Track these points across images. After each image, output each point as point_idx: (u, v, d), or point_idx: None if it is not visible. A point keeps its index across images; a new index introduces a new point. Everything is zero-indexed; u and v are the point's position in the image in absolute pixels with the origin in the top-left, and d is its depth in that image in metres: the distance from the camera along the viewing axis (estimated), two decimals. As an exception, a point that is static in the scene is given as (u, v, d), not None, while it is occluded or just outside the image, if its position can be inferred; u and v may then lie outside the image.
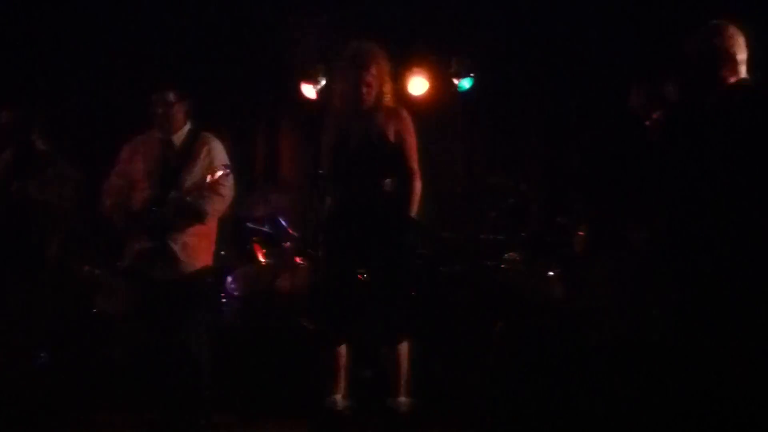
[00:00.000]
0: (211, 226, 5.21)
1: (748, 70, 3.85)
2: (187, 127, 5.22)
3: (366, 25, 8.11)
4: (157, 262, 5.02)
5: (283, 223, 7.04)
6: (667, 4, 7.27)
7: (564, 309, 5.79)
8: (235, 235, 7.21)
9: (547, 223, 6.78)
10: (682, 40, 3.93)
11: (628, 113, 4.56)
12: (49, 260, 5.46)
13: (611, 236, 4.83)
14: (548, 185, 6.95)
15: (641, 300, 4.44)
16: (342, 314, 4.92)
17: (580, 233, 5.88)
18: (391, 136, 5.00)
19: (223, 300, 6.58)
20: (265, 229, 7.06)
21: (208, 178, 4.94)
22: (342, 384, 5.03)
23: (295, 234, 6.79)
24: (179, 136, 5.18)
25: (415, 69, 7.45)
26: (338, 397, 5.02)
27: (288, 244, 6.75)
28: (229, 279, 6.60)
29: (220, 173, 4.94)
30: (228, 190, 5.12)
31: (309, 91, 7.53)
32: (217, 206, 5.10)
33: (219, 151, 5.13)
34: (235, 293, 6.57)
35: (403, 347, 4.98)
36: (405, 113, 5.12)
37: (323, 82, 7.31)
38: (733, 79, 3.80)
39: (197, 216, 5.03)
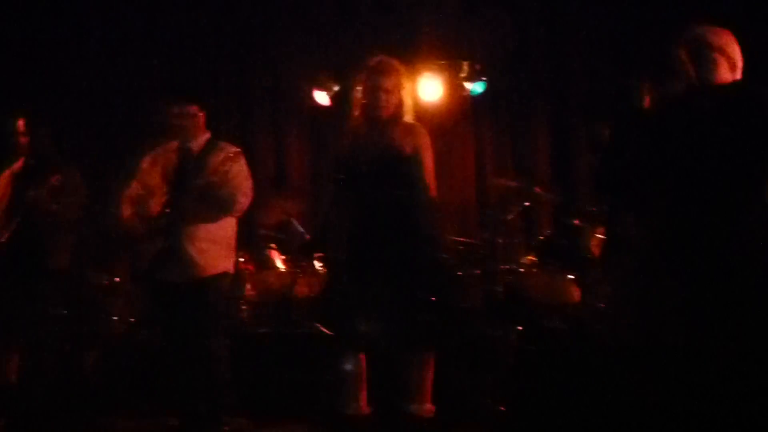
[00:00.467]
0: (229, 233, 5.23)
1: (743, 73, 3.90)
2: (206, 136, 5.27)
3: (376, 31, 8.18)
4: (171, 264, 5.03)
5: (299, 228, 7.07)
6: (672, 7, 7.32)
7: (580, 312, 5.80)
8: (249, 241, 7.26)
9: (562, 226, 6.79)
10: (674, 41, 3.96)
11: (635, 112, 4.56)
12: (60, 268, 5.46)
13: (624, 236, 4.83)
14: (561, 188, 6.94)
15: (653, 301, 4.44)
16: (360, 322, 4.93)
17: (598, 236, 5.92)
18: (408, 152, 5.00)
19: (242, 306, 6.61)
20: (281, 235, 7.08)
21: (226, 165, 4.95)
22: (361, 390, 5.04)
23: (310, 239, 6.80)
24: (198, 144, 5.23)
25: (426, 74, 7.44)
26: (357, 403, 5.03)
27: (304, 249, 6.76)
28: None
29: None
30: (248, 190, 5.16)
31: (322, 97, 7.56)
32: (242, 200, 5.10)
33: (239, 166, 5.15)
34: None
35: (424, 353, 4.99)
36: (423, 130, 5.12)
37: (336, 88, 7.36)
38: (729, 80, 3.84)
39: (222, 202, 5.03)
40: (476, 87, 7.43)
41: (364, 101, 5.01)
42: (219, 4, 8.33)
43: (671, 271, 3.98)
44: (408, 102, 5.08)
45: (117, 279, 6.46)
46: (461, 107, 7.81)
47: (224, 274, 5.20)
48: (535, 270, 6.16)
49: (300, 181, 8.26)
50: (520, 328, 5.59)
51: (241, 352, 5.52)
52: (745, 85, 3.86)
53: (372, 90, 4.98)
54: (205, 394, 5.06)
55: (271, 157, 8.33)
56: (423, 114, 6.99)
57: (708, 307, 3.83)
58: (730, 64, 3.86)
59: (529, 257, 6.27)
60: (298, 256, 6.81)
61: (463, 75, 7.43)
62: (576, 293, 5.97)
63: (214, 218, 5.10)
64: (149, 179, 5.23)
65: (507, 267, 6.46)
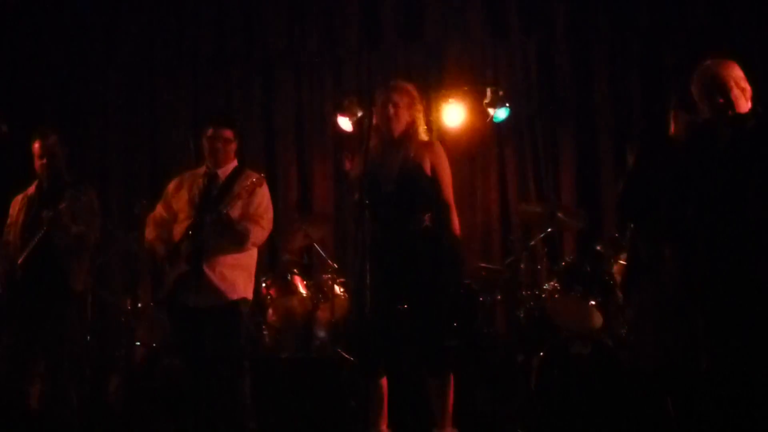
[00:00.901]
0: (250, 260, 5.23)
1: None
2: (234, 163, 5.30)
3: (401, 57, 8.21)
4: (192, 288, 5.01)
5: (322, 253, 7.07)
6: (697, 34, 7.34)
7: (604, 338, 5.77)
8: (272, 266, 7.27)
9: (585, 252, 6.77)
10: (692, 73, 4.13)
11: (661, 137, 4.55)
12: (79, 289, 5.46)
13: (648, 262, 4.80)
14: (585, 214, 6.91)
15: (680, 327, 4.41)
16: (383, 347, 4.91)
17: (621, 261, 5.88)
18: (427, 170, 5.00)
19: (264, 331, 6.61)
20: (304, 260, 7.08)
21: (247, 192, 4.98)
22: (384, 415, 5.02)
23: (333, 265, 6.81)
24: (225, 171, 5.24)
25: (450, 100, 7.46)
26: (379, 428, 5.01)
27: (327, 275, 6.76)
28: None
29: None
30: (267, 222, 5.17)
31: (345, 123, 7.59)
32: (258, 234, 5.13)
33: (263, 191, 5.18)
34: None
35: (447, 378, 4.97)
36: (439, 146, 5.13)
37: (359, 114, 7.38)
38: (745, 109, 4.00)
39: (238, 236, 5.05)
40: (499, 113, 7.43)
41: (377, 124, 5.04)
42: (244, 30, 8.38)
43: (695, 297, 3.98)
44: (422, 123, 5.09)
45: (140, 304, 6.46)
46: (485, 133, 7.82)
47: (244, 300, 5.19)
48: (558, 295, 6.13)
49: (324, 206, 8.26)
50: (542, 353, 5.57)
51: (263, 377, 5.51)
52: (763, 113, 3.94)
53: (382, 107, 5.01)
54: (227, 419, 5.04)
55: (295, 182, 8.35)
56: (447, 139, 7.06)
57: (733, 333, 3.82)
58: (744, 94, 4.03)
59: (553, 283, 6.24)
60: (323, 283, 6.80)
61: (486, 101, 7.44)
62: (599, 319, 5.93)
63: (231, 249, 5.13)
64: (174, 202, 5.25)
65: (530, 292, 6.45)
